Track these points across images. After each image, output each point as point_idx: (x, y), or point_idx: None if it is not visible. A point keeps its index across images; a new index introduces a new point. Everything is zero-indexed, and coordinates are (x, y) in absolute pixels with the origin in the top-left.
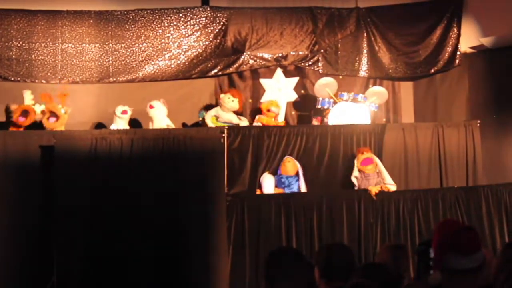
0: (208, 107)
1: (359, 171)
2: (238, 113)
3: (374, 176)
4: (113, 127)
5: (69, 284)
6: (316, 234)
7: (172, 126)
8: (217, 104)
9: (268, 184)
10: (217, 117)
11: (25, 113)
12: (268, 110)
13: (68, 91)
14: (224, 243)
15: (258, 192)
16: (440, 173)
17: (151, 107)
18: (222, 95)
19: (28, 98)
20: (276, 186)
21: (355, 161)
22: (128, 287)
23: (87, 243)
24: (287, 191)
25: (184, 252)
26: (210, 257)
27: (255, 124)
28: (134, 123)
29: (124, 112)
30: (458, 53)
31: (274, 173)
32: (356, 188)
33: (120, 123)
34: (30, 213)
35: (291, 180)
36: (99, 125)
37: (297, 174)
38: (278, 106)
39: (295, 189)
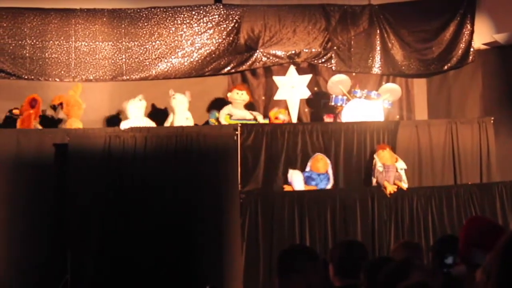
0: (218, 107)
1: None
2: (250, 107)
3: (394, 168)
4: (129, 122)
5: (83, 282)
6: (330, 231)
7: (191, 119)
8: (229, 102)
9: (297, 181)
10: (230, 116)
11: (34, 100)
12: (276, 118)
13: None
14: (238, 240)
15: (287, 188)
16: (454, 170)
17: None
18: (229, 94)
19: None
20: (305, 182)
21: (376, 156)
22: (142, 284)
23: (100, 241)
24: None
25: (198, 249)
26: (224, 254)
27: None
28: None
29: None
30: (472, 49)
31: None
32: (374, 180)
33: (138, 114)
34: (44, 211)
35: (322, 177)
36: (113, 119)
37: (327, 172)
38: (286, 115)
39: (324, 187)
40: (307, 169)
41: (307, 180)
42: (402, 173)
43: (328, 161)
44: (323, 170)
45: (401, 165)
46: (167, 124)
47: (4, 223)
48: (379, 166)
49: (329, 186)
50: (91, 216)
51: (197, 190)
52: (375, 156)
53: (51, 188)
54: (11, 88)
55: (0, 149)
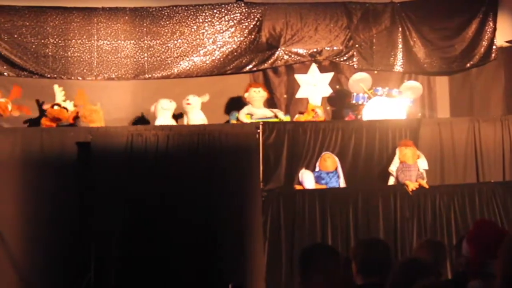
0: (239, 106)
1: (400, 162)
2: (271, 105)
3: (415, 168)
4: (158, 121)
5: (106, 281)
6: (352, 229)
7: (205, 120)
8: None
9: (308, 180)
10: (251, 115)
11: (57, 118)
12: (313, 110)
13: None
14: (260, 238)
15: (298, 188)
16: (477, 168)
17: (188, 104)
18: (246, 94)
19: (59, 94)
20: (316, 182)
21: (397, 152)
22: (164, 282)
23: (123, 239)
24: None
25: (220, 247)
26: (246, 252)
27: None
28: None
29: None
30: (494, 47)
31: (312, 169)
32: (393, 179)
33: (166, 115)
34: (67, 210)
35: (331, 176)
36: (139, 117)
37: (336, 170)
38: (321, 112)
39: (334, 185)
40: (316, 168)
41: (317, 180)
42: (423, 174)
43: (336, 159)
44: (331, 168)
45: (423, 164)
46: None
47: (27, 222)
48: (394, 165)
49: (341, 184)
50: (113, 214)
51: (219, 189)
52: (396, 151)
53: (74, 187)
54: (34, 87)
55: (23, 148)
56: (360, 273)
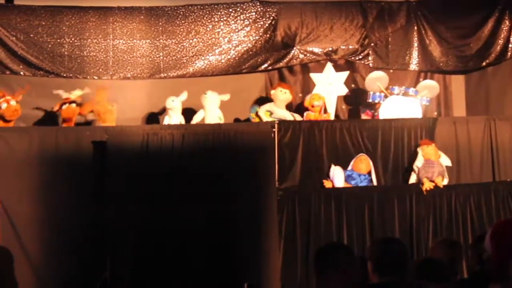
0: (260, 103)
1: (425, 159)
2: (289, 107)
3: (438, 164)
4: (166, 120)
5: (122, 279)
6: (368, 229)
7: (222, 118)
8: (267, 98)
9: (338, 177)
10: (270, 113)
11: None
12: (313, 106)
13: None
14: (276, 237)
15: (326, 183)
16: (493, 166)
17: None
18: (273, 91)
19: (65, 95)
20: (345, 180)
21: (419, 151)
22: (180, 281)
23: (139, 238)
24: None
25: (235, 247)
26: (261, 251)
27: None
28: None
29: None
30: (510, 45)
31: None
32: (415, 176)
33: (173, 114)
34: (82, 208)
35: (362, 178)
36: (151, 116)
37: (369, 174)
38: (321, 98)
39: None
40: (349, 168)
41: (347, 179)
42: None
43: (371, 163)
44: (365, 171)
45: (446, 161)
46: (195, 120)
47: (43, 221)
48: (419, 161)
49: None
50: (129, 213)
51: (234, 188)
52: (418, 150)
53: (90, 185)
54: (50, 87)
55: (39, 147)
56: (376, 273)
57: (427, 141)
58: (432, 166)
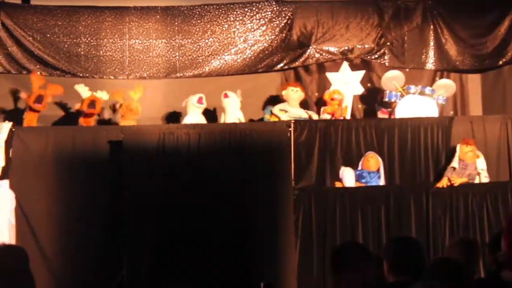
0: (273, 102)
1: (460, 160)
2: (304, 105)
3: (472, 167)
4: (188, 117)
5: (138, 278)
6: (384, 228)
7: (242, 119)
8: (280, 98)
9: (349, 178)
10: (285, 111)
11: (93, 104)
12: (332, 99)
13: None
14: (292, 237)
15: (337, 185)
16: (509, 165)
17: (226, 96)
18: (284, 92)
19: (84, 90)
20: (356, 180)
21: (457, 150)
22: (197, 280)
23: (156, 237)
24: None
25: (252, 246)
26: (278, 250)
27: (322, 116)
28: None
29: (200, 100)
30: None
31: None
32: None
33: (196, 112)
34: (99, 207)
35: (372, 175)
36: (170, 116)
37: (378, 170)
38: (341, 94)
39: (375, 185)
40: (359, 167)
41: (358, 178)
42: (483, 173)
43: (380, 160)
44: (374, 168)
45: (481, 165)
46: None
47: (60, 220)
48: (455, 162)
49: (380, 184)
50: (146, 212)
51: (251, 187)
52: (457, 147)
53: (106, 185)
54: (66, 87)
55: (56, 146)
56: (392, 272)
57: (468, 140)
58: (465, 168)
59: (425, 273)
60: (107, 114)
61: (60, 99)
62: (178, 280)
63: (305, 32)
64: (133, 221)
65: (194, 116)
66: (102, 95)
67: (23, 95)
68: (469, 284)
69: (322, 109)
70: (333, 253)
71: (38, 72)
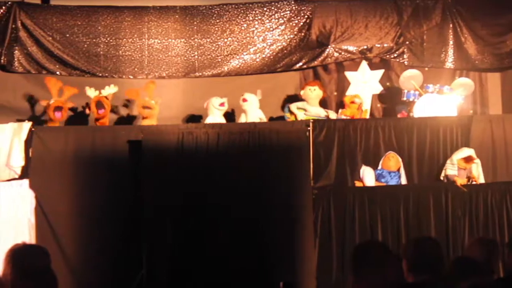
0: (291, 102)
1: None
2: (323, 103)
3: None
4: (209, 118)
5: (158, 278)
6: (403, 227)
7: (264, 119)
8: (298, 97)
9: (369, 177)
10: (304, 110)
11: (100, 104)
12: (352, 102)
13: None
14: (311, 236)
15: (358, 184)
16: None
17: (244, 100)
18: (302, 91)
19: (91, 93)
20: (376, 179)
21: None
22: (216, 280)
23: (175, 237)
24: None
25: (271, 245)
26: (297, 250)
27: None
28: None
29: (222, 104)
30: None
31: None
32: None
33: (217, 114)
34: (119, 207)
35: (393, 175)
36: (190, 117)
37: (398, 170)
38: (361, 98)
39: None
40: (379, 167)
41: (378, 178)
42: (475, 167)
43: (400, 160)
44: (394, 168)
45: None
46: None
47: (80, 219)
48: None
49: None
50: (165, 211)
51: (270, 186)
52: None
53: (125, 184)
54: (82, 86)
55: (75, 146)
56: (411, 271)
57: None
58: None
59: (444, 272)
60: (124, 111)
61: (74, 100)
62: (197, 280)
63: (324, 31)
64: (152, 221)
65: (215, 117)
66: (110, 90)
67: (43, 102)
68: (489, 283)
69: (340, 111)
70: (354, 252)
71: (58, 72)
